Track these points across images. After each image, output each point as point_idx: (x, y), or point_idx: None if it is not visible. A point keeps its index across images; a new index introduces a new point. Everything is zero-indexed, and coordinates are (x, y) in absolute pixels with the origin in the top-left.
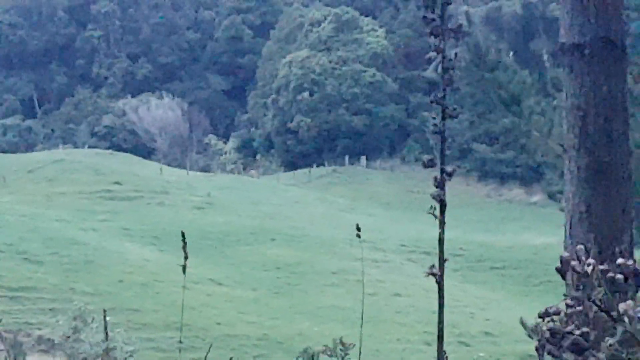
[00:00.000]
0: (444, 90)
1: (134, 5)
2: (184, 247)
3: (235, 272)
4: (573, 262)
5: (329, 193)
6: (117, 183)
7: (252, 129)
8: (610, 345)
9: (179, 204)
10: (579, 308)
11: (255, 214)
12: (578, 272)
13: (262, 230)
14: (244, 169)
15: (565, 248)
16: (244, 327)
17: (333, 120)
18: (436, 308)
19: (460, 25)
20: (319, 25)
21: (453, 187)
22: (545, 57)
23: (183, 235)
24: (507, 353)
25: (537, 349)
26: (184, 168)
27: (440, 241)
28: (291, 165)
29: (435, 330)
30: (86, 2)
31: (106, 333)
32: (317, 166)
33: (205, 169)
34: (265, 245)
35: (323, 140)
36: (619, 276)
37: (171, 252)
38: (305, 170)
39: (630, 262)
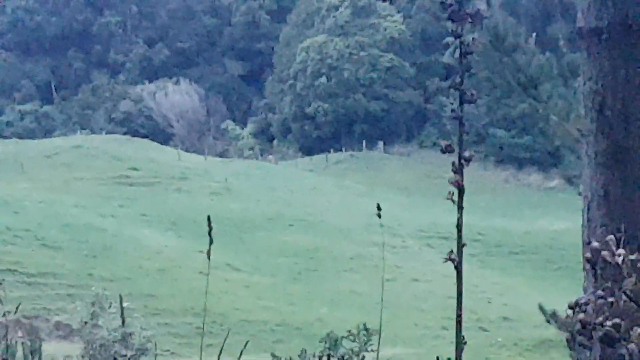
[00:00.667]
0: (462, 75)
1: None
2: (210, 232)
3: (252, 259)
4: (604, 252)
5: (346, 179)
6: (134, 169)
7: (270, 115)
8: (638, 336)
9: (197, 190)
10: (610, 299)
11: (272, 200)
12: (609, 262)
13: (280, 217)
14: (261, 154)
15: (583, 233)
16: (261, 313)
17: (350, 105)
18: (454, 294)
19: (478, 10)
20: (336, 10)
21: (470, 173)
22: (562, 41)
23: (209, 219)
24: (525, 338)
25: (567, 341)
26: (202, 154)
27: (459, 227)
28: (308, 150)
29: (453, 315)
30: None
31: (123, 319)
32: (335, 151)
33: (223, 155)
34: (282, 231)
35: (340, 125)
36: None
37: (189, 238)
38: (323, 155)
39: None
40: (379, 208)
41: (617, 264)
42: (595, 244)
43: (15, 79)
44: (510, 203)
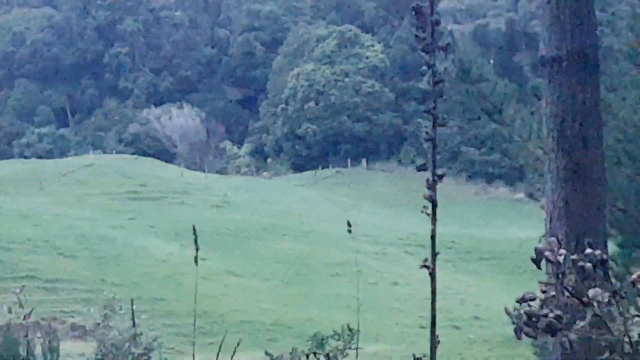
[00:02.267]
0: (435, 101)
1: (156, 24)
2: (195, 240)
3: (249, 265)
4: (547, 253)
5: (334, 193)
6: (142, 185)
7: (264, 135)
8: (581, 327)
9: (198, 204)
10: (553, 294)
11: (267, 212)
12: (551, 261)
13: (274, 227)
14: (257, 171)
15: (543, 240)
16: (257, 314)
17: (336, 126)
18: (430, 296)
19: (448, 44)
20: (324, 41)
21: (445, 187)
22: (526, 68)
23: (194, 229)
24: (494, 335)
25: (515, 331)
26: (203, 171)
27: (433, 237)
28: (299, 167)
29: (429, 315)
30: (113, 21)
31: (133, 320)
32: (322, 168)
33: (222, 172)
34: (276, 240)
35: (327, 144)
36: (588, 265)
37: (192, 247)
38: (312, 172)
39: (597, 252)
40: (349, 225)
41: (559, 262)
42: (539, 245)
43: (34, 105)
44: (480, 214)
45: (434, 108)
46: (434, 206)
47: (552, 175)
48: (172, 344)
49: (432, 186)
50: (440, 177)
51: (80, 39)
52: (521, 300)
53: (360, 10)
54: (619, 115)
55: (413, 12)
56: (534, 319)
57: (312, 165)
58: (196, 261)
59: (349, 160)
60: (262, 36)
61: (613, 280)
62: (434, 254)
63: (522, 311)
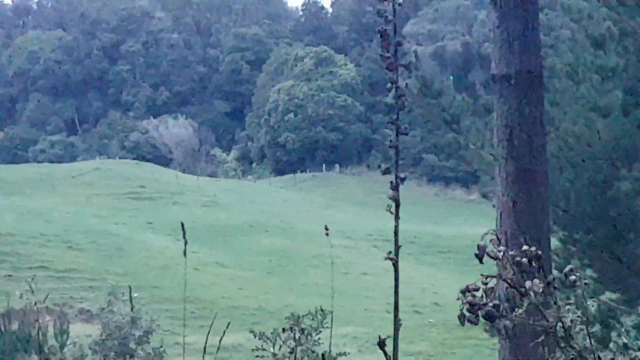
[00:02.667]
0: (397, 113)
1: (155, 45)
2: (184, 235)
3: (236, 257)
4: (488, 248)
5: (310, 194)
6: (141, 186)
7: (249, 143)
8: (519, 314)
9: (191, 203)
10: (492, 285)
11: (251, 211)
12: (492, 257)
13: (258, 224)
14: (243, 175)
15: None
16: (243, 300)
17: (313, 136)
18: (407, 297)
19: (410, 62)
20: (302, 60)
21: (407, 189)
22: (479, 85)
23: (182, 226)
24: (450, 319)
25: (458, 317)
26: (195, 174)
27: (396, 232)
28: (280, 171)
29: (394, 301)
30: (116, 42)
31: (133, 306)
32: (300, 172)
33: (212, 175)
34: (259, 235)
35: (305, 151)
36: (524, 260)
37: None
38: (291, 175)
39: (533, 248)
40: (326, 228)
41: (498, 257)
42: (481, 242)
43: (47, 116)
44: (439, 213)
45: (396, 119)
46: (397, 205)
47: (502, 178)
48: (167, 327)
49: (395, 188)
50: (403, 179)
51: (87, 58)
52: (465, 291)
53: (334, 34)
54: (561, 127)
55: (379, 35)
56: (475, 307)
57: (291, 169)
58: (185, 254)
59: (324, 165)
60: (248, 56)
61: (555, 272)
62: (397, 248)
63: (465, 300)
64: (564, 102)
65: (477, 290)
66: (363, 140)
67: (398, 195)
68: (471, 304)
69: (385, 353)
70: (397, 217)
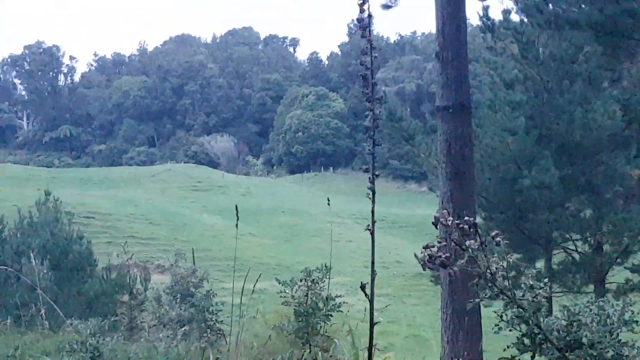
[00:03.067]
0: (373, 132)
1: (207, 86)
2: (237, 214)
3: (263, 230)
4: (441, 219)
5: (313, 188)
6: (199, 182)
7: (272, 152)
8: (461, 263)
9: (232, 193)
10: (445, 243)
11: (273, 199)
12: (444, 225)
13: (277, 207)
14: (267, 174)
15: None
16: (267, 259)
17: (315, 148)
18: (370, 248)
19: (381, 97)
20: (307, 96)
21: (379, 184)
22: (427, 114)
23: (237, 208)
24: (409, 272)
25: (422, 265)
26: (235, 174)
27: (372, 212)
28: (292, 172)
29: (370, 260)
30: (182, 84)
31: (193, 261)
32: (306, 172)
33: (246, 174)
34: (278, 215)
35: (309, 158)
36: (465, 226)
37: (228, 219)
38: (300, 174)
39: (470, 219)
40: (328, 201)
41: (448, 225)
42: (436, 214)
43: (135, 134)
44: (400, 200)
45: (372, 136)
46: (373, 194)
47: (443, 177)
48: (216, 277)
49: (372, 182)
50: (376, 176)
51: (162, 95)
52: (425, 247)
53: (329, 78)
54: (483, 141)
55: (361, 78)
56: (433, 258)
57: (299, 170)
58: (237, 226)
59: (322, 167)
60: (271, 94)
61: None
62: (373, 223)
63: (425, 254)
64: (485, 124)
65: (433, 247)
66: (349, 151)
67: (374, 187)
68: (430, 256)
69: (365, 294)
70: (373, 202)
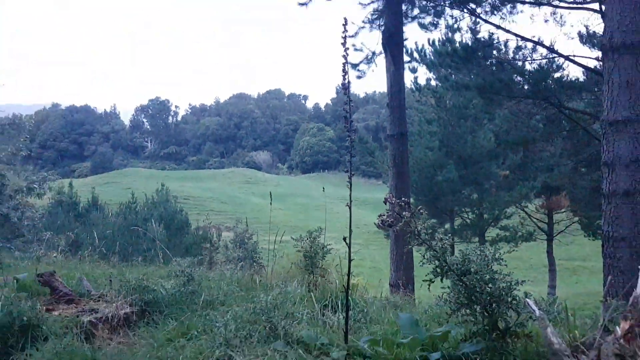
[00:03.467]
0: (350, 150)
1: (255, 123)
2: (270, 196)
3: (287, 206)
4: (388, 199)
5: (316, 182)
6: (250, 179)
7: (292, 161)
8: (400, 226)
9: (268, 185)
10: (391, 213)
11: (292, 188)
12: (390, 202)
13: (295, 193)
14: (289, 174)
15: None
16: (289, 223)
17: (317, 159)
18: (354, 218)
19: (356, 129)
20: (312, 129)
21: (354, 180)
22: (383, 139)
23: (270, 195)
24: (371, 230)
25: (377, 226)
26: (270, 174)
27: (350, 195)
28: (304, 172)
29: (349, 223)
30: (240, 122)
31: (246, 224)
32: (311, 173)
33: (277, 174)
34: (296, 197)
35: (314, 165)
36: (402, 203)
37: (267, 200)
38: (308, 174)
39: (406, 199)
40: (323, 189)
41: (393, 203)
42: (386, 197)
43: (212, 150)
44: (367, 189)
45: (350, 152)
46: (350, 185)
47: (392, 175)
48: (259, 233)
49: (350, 178)
50: (353, 175)
51: (228, 128)
52: (379, 216)
53: (325, 118)
54: (414, 155)
55: (343, 118)
56: (383, 222)
57: (308, 172)
58: (270, 203)
59: (321, 170)
60: (291, 127)
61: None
62: (351, 201)
63: (379, 220)
64: (415, 145)
65: (384, 215)
66: (336, 161)
67: (351, 182)
68: (382, 221)
69: (345, 243)
70: (350, 190)
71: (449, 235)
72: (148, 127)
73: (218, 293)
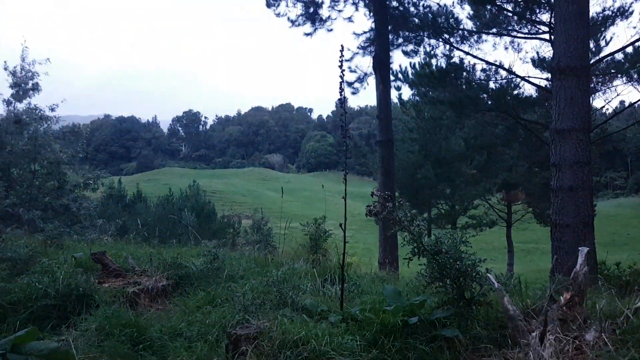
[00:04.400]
0: (345, 152)
1: (269, 131)
2: (282, 190)
3: (296, 198)
4: (376, 193)
5: (320, 179)
6: (265, 176)
7: (300, 162)
8: (385, 214)
9: (280, 181)
10: (377, 204)
11: (301, 184)
12: (378, 195)
13: (303, 187)
14: (297, 172)
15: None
16: (297, 212)
17: (320, 160)
18: (349, 209)
19: (351, 136)
20: (315, 137)
21: (349, 177)
22: (373, 144)
23: (282, 189)
24: (364, 219)
25: (366, 214)
26: (283, 172)
27: (345, 189)
28: (309, 171)
29: (344, 212)
30: (257, 130)
31: (262, 214)
32: (316, 172)
33: (287, 172)
34: (304, 192)
35: (317, 165)
36: (387, 196)
37: (279, 193)
38: (314, 172)
39: (390, 193)
40: (323, 186)
41: (377, 195)
42: (373, 190)
43: (235, 153)
44: (360, 184)
45: (346, 154)
46: (345, 182)
47: (381, 174)
48: (273, 221)
49: (345, 176)
50: (347, 173)
51: (247, 135)
52: (368, 206)
53: (327, 127)
54: (398, 157)
55: (340, 127)
56: (372, 210)
57: (313, 171)
58: (282, 197)
59: (323, 170)
60: (299, 134)
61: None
62: (346, 194)
63: (368, 209)
64: (400, 149)
65: (371, 205)
66: (336, 162)
67: (346, 179)
68: (370, 210)
69: (342, 228)
70: (345, 184)
71: (425, 222)
72: (182, 134)
73: (238, 269)
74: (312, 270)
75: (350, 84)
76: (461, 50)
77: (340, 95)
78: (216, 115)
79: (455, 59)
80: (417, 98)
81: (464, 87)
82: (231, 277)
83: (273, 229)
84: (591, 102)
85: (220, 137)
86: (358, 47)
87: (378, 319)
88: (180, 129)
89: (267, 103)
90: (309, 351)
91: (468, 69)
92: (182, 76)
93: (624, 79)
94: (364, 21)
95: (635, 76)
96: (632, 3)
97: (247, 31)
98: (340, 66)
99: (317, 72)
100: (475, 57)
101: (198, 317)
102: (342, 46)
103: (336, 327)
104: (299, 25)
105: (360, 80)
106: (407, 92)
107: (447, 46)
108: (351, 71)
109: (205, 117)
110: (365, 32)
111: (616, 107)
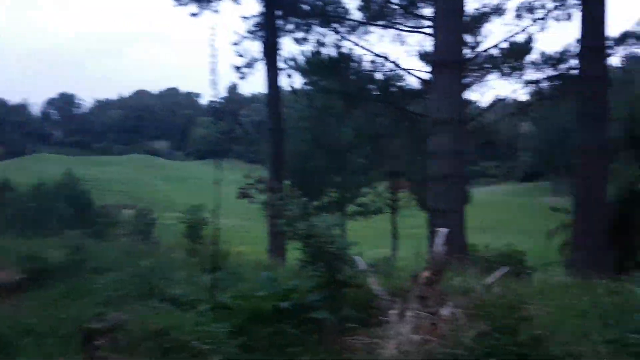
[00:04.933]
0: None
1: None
2: (168, 179)
3: (186, 188)
4: (247, 177)
5: (210, 168)
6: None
7: (189, 149)
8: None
9: (168, 171)
10: (249, 187)
11: (191, 172)
12: (248, 178)
13: (191, 177)
14: (185, 160)
15: None
16: (189, 202)
17: (210, 147)
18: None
19: (241, 123)
20: (204, 123)
21: (241, 165)
22: (266, 132)
23: (168, 178)
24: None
25: (237, 197)
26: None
27: (219, 175)
28: (200, 159)
29: None
30: (143, 109)
31: (145, 205)
32: (208, 159)
33: (175, 160)
34: (194, 180)
35: (208, 152)
36: (259, 179)
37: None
38: (204, 160)
39: (260, 176)
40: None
41: (248, 178)
42: (244, 175)
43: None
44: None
45: (222, 141)
46: (221, 168)
47: (271, 161)
48: (158, 212)
49: (219, 161)
50: (223, 160)
51: (130, 119)
52: (240, 189)
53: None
54: (291, 145)
55: (213, 110)
56: (242, 193)
57: (202, 158)
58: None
59: (215, 158)
60: (184, 120)
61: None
62: (218, 182)
63: (240, 191)
64: (292, 137)
65: (243, 189)
66: (228, 149)
67: (221, 163)
68: (242, 193)
69: (214, 215)
70: (220, 170)
71: (311, 207)
72: (58, 117)
73: (107, 261)
74: (190, 260)
75: (238, 69)
76: (350, 40)
77: (212, 76)
78: (95, 99)
79: (345, 49)
80: (308, 86)
81: (352, 77)
82: (96, 269)
83: (159, 219)
84: (469, 95)
85: (99, 122)
86: (247, 32)
87: (249, 306)
88: (54, 112)
89: (152, 87)
90: (170, 341)
91: (357, 59)
92: (57, 57)
93: (499, 73)
94: (253, 4)
95: (508, 71)
96: (506, 2)
97: (127, 10)
98: (212, 46)
99: (206, 56)
100: (363, 48)
101: (52, 311)
102: (213, 26)
103: (204, 315)
104: (184, 4)
105: (249, 65)
106: (299, 81)
107: (337, 36)
108: (239, 55)
109: (81, 100)
110: (255, 16)
111: (494, 101)
